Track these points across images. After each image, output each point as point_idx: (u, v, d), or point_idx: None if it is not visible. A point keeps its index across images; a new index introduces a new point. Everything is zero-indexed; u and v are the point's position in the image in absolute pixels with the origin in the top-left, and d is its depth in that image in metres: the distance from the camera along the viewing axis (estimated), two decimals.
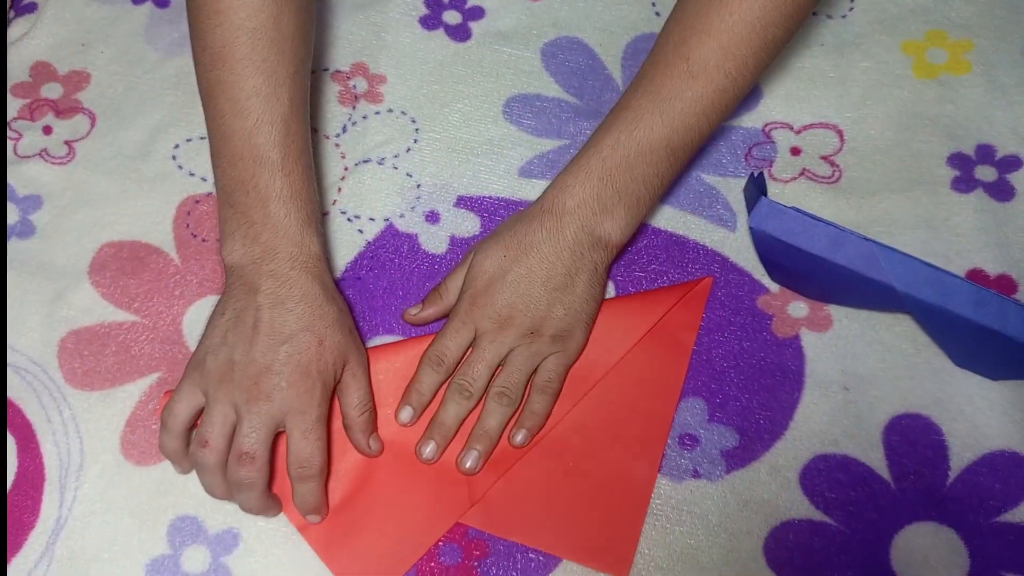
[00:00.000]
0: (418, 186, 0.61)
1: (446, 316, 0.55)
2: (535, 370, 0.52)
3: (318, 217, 0.52)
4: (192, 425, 0.49)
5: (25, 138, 0.61)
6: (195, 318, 0.56)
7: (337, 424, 0.52)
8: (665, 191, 0.54)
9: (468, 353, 0.52)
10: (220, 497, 0.49)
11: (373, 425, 0.51)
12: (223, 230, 0.50)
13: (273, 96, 0.49)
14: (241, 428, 0.47)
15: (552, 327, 0.52)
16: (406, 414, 0.52)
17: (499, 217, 0.60)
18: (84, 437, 0.52)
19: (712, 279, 0.57)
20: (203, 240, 0.58)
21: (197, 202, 0.60)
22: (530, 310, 0.51)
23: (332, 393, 0.50)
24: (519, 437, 0.51)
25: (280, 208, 0.49)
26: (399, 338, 0.56)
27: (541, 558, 0.50)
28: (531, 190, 0.61)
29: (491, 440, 0.51)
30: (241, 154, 0.49)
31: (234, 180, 0.50)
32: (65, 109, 0.63)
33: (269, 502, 0.49)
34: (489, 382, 0.52)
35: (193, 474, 0.51)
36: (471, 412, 0.52)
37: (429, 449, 0.51)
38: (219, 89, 0.49)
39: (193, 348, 0.54)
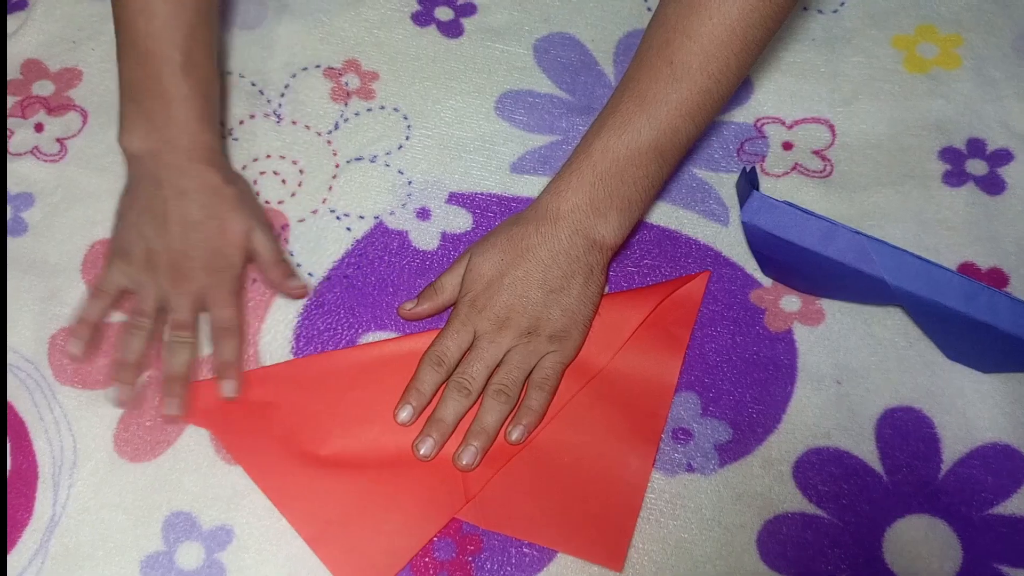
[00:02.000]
0: (409, 183, 0.61)
1: (440, 312, 0.55)
2: (532, 369, 0.53)
3: (215, 113, 0.56)
4: (114, 303, 0.55)
5: (16, 135, 0.61)
6: None
7: (335, 422, 0.52)
8: (658, 191, 0.55)
9: (467, 353, 0.52)
10: (131, 364, 0.53)
11: (288, 271, 0.56)
12: (123, 122, 0.54)
13: (179, 2, 0.53)
14: (171, 304, 0.53)
15: (549, 327, 0.52)
16: (406, 413, 0.52)
17: (491, 213, 0.60)
18: (77, 435, 0.52)
19: (709, 273, 0.57)
20: None
21: None
22: (528, 311, 0.52)
23: (244, 264, 0.55)
24: (516, 433, 0.52)
25: (181, 107, 0.53)
26: (390, 334, 0.56)
27: (535, 552, 0.50)
28: (523, 186, 0.61)
29: (488, 436, 0.51)
30: (146, 53, 0.53)
31: (138, 79, 0.54)
32: (57, 107, 0.62)
33: (189, 370, 0.54)
34: (487, 381, 0.52)
35: (189, 470, 0.52)
36: (469, 410, 0.52)
37: (427, 446, 0.51)
38: None
39: None
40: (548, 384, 0.52)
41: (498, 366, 0.52)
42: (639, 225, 0.59)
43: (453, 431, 0.52)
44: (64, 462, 0.52)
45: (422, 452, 0.51)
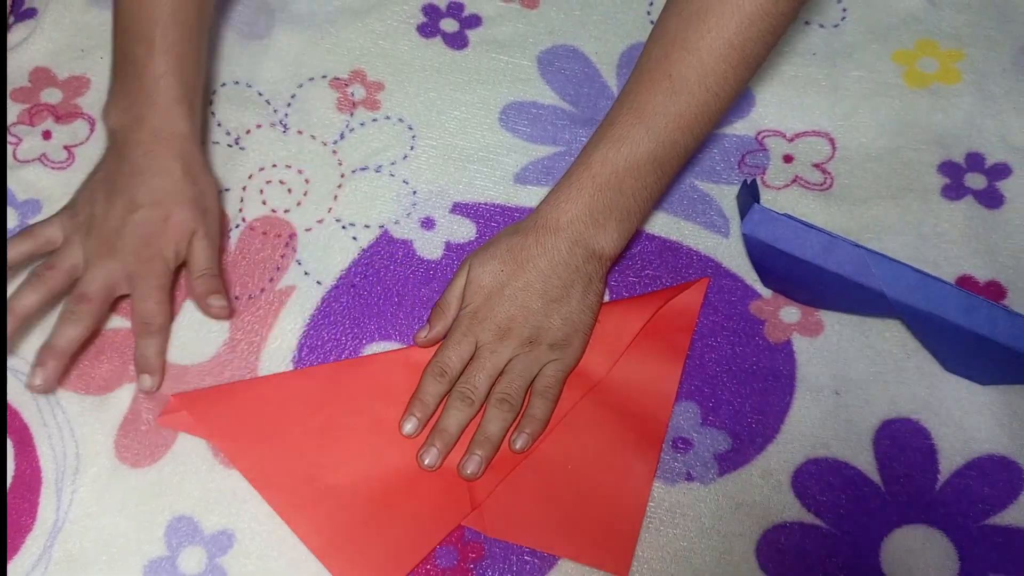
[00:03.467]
0: (414, 193, 0.61)
1: None
2: (534, 377, 0.53)
3: (194, 100, 0.56)
4: (40, 252, 0.54)
5: (24, 143, 0.62)
6: (186, 320, 0.56)
7: (338, 432, 0.53)
8: (656, 202, 0.56)
9: (469, 364, 0.53)
10: (15, 315, 0.51)
11: (215, 288, 0.54)
12: (108, 96, 0.56)
13: None
14: (86, 274, 0.52)
15: (550, 336, 0.53)
16: (410, 425, 0.52)
17: (494, 223, 0.60)
18: (79, 440, 0.53)
19: (708, 279, 0.58)
20: None
21: None
22: (528, 321, 0.52)
23: (178, 264, 0.55)
24: (520, 442, 0.52)
25: (153, 84, 0.54)
26: (394, 345, 0.56)
27: (537, 560, 0.50)
28: (527, 196, 0.61)
29: (492, 445, 0.52)
30: (127, 28, 0.55)
31: (120, 51, 0.55)
32: (64, 114, 0.63)
33: (76, 346, 0.52)
34: (490, 390, 0.53)
35: (190, 474, 0.52)
36: (472, 420, 0.53)
37: (431, 456, 0.51)
38: None
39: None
40: (551, 392, 0.53)
41: (500, 375, 0.53)
42: (640, 236, 0.60)
43: (457, 441, 0.52)
44: (67, 468, 0.52)
45: (426, 462, 0.51)
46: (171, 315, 0.54)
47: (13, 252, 0.53)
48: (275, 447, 0.52)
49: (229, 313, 0.55)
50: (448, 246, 0.59)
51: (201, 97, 0.58)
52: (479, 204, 0.61)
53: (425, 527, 0.51)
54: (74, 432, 0.53)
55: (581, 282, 0.53)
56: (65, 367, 0.52)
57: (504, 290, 0.53)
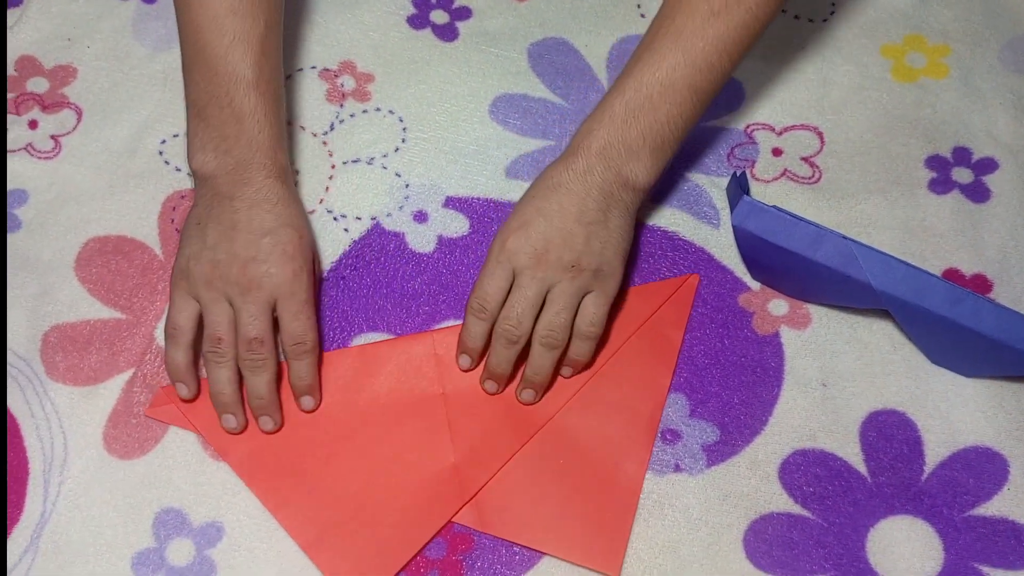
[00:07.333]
0: (407, 186, 0.61)
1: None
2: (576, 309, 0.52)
3: (286, 133, 0.55)
4: (197, 336, 0.52)
5: (11, 132, 0.61)
6: None
7: (328, 425, 0.53)
8: (688, 132, 0.53)
9: (510, 294, 0.51)
10: (228, 396, 0.50)
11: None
12: (193, 141, 0.53)
13: (250, 16, 0.51)
14: (242, 319, 0.50)
15: (593, 260, 0.51)
16: (464, 361, 0.53)
17: (488, 218, 0.60)
18: (68, 432, 0.52)
19: (698, 276, 0.58)
20: None
21: (183, 197, 0.60)
22: (567, 243, 0.50)
23: (313, 280, 0.53)
24: (566, 373, 0.54)
25: (254, 125, 0.52)
26: (382, 336, 0.56)
27: (526, 551, 0.51)
28: (519, 191, 0.61)
29: (543, 381, 0.53)
30: (216, 70, 0.51)
31: (208, 95, 0.52)
32: (51, 104, 0.63)
33: (276, 387, 0.51)
34: (534, 321, 0.51)
35: (178, 467, 0.52)
36: (522, 352, 0.52)
37: (491, 388, 0.53)
38: (197, 3, 0.51)
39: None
40: (593, 332, 0.52)
41: (543, 306, 0.51)
42: (637, 226, 0.60)
43: (511, 374, 0.53)
44: (55, 459, 0.52)
45: (488, 390, 0.53)
46: (319, 331, 0.53)
47: (175, 358, 0.51)
48: (263, 441, 0.52)
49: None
50: (440, 240, 0.59)
51: (285, 123, 0.56)
52: (472, 199, 0.61)
53: (415, 522, 0.51)
54: (62, 424, 0.53)
55: (618, 208, 0.51)
56: (280, 409, 0.52)
57: (539, 216, 0.50)
